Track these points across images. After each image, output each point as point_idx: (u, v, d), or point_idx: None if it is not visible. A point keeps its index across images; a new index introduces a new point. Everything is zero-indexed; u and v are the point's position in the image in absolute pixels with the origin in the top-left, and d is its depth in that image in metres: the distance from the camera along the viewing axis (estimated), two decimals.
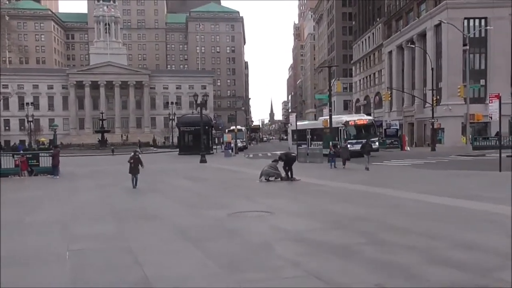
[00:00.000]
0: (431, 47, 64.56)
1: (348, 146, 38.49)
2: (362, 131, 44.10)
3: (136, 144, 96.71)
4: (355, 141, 41.64)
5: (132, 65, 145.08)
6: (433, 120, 54.32)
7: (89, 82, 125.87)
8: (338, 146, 34.13)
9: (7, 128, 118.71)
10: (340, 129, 43.72)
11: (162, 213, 14.11)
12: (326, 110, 41.37)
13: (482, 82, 59.09)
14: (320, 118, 54.80)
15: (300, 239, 9.79)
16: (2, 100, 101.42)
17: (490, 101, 24.73)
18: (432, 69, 55.78)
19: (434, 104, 54.83)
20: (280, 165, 23.67)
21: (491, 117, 24.91)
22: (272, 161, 24.10)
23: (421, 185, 19.29)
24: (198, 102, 44.46)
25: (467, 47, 43.91)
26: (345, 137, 42.70)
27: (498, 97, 24.22)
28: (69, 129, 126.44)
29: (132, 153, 22.95)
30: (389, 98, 57.62)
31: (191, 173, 30.69)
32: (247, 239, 10.02)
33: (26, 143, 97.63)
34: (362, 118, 46.51)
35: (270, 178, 23.09)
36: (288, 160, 23.50)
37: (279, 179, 23.11)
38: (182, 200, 17.26)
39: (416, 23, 70.91)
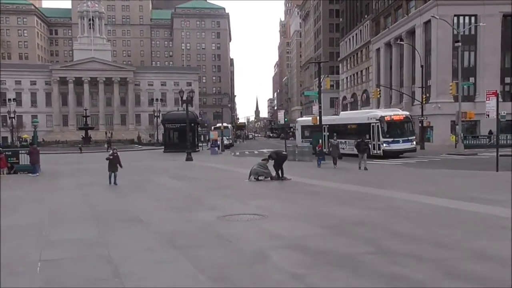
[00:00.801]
0: (420, 44, 64.02)
1: (384, 145, 36.27)
2: (399, 128, 38.70)
3: (113, 141, 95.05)
4: (391, 139, 37.25)
5: (116, 62, 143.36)
6: (422, 118, 53.74)
7: (72, 78, 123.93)
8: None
9: None
10: (373, 126, 37.96)
11: (146, 215, 13.11)
12: (315, 107, 40.09)
13: (472, 80, 58.54)
14: (344, 112, 47.86)
15: (298, 247, 8.86)
16: None
17: (487, 98, 24.04)
18: (422, 66, 55.21)
19: (424, 102, 54.22)
20: (270, 164, 22.74)
21: (488, 115, 24.21)
22: (262, 160, 23.16)
23: (418, 186, 18.48)
24: (184, 98, 43.30)
25: (460, 43, 43.27)
26: (380, 134, 37.16)
27: (496, 94, 23.53)
28: (53, 126, 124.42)
29: (111, 151, 23.07)
30: (379, 96, 57.01)
31: (177, 172, 29.65)
32: (240, 247, 9.09)
33: (9, 140, 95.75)
34: (398, 113, 40.37)
35: (260, 178, 22.17)
36: (279, 159, 22.55)
37: (269, 178, 22.20)
38: (168, 201, 16.25)
39: (405, 20, 70.35)
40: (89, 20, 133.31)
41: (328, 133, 42.26)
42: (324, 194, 17.04)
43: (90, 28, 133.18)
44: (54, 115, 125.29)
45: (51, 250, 9.31)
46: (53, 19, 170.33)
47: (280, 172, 22.26)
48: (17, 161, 31.54)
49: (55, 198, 17.85)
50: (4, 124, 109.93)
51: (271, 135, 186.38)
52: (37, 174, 29.04)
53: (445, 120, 57.79)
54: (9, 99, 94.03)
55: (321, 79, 39.90)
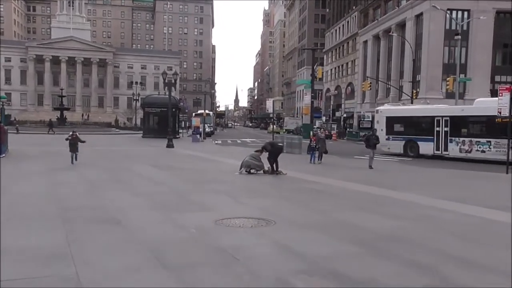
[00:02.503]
0: (410, 38, 62.32)
1: None
2: None
3: (89, 123, 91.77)
4: None
5: (96, 42, 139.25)
6: None
7: (49, 57, 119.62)
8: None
9: None
10: None
11: (125, 215, 10.76)
12: (307, 97, 37.72)
13: (462, 76, 57.07)
14: (483, 99, 33.40)
15: (330, 273, 6.66)
16: None
17: (500, 94, 22.17)
18: (414, 60, 53.47)
19: (414, 97, 52.52)
20: (264, 156, 20.54)
21: (500, 112, 22.36)
22: (255, 151, 20.94)
23: (438, 189, 16.43)
24: (167, 81, 40.79)
25: (459, 36, 41.53)
26: None
27: (510, 90, 21.66)
28: (27, 105, 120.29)
29: (71, 132, 23.86)
30: (369, 88, 55.12)
31: (158, 160, 27.26)
32: (252, 269, 6.84)
33: None
34: None
35: (252, 171, 19.98)
36: (274, 151, 20.30)
37: (262, 171, 20.03)
38: (151, 196, 13.81)
39: (395, 12, 68.65)
40: None
41: (448, 129, 32.27)
42: (331, 195, 14.85)
43: (69, 6, 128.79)
44: (29, 94, 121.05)
45: (1, 264, 7.00)
46: None
47: (275, 165, 20.11)
48: None
49: (18, 187, 15.35)
50: None
51: (250, 124, 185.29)
52: (3, 155, 26.44)
53: None
54: None
55: (315, 66, 37.79)
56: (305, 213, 11.51)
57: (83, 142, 24.07)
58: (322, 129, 34.80)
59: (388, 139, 35.76)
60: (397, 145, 34.85)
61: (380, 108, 39.44)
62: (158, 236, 8.88)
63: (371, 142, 24.81)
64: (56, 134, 56.65)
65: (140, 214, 11.04)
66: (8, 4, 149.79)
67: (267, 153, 20.34)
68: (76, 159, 22.93)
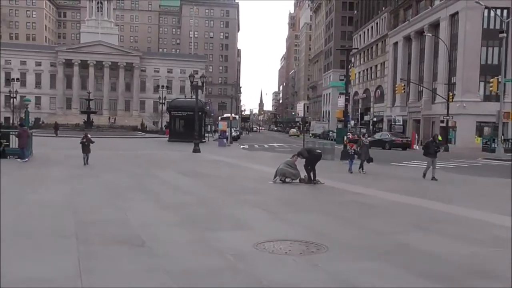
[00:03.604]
0: (444, 38, 59.96)
1: None
2: None
3: (116, 126, 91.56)
4: None
5: (123, 47, 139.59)
6: (447, 118, 49.90)
7: (78, 61, 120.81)
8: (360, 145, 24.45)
9: None
10: None
11: (150, 233, 9.24)
12: (341, 100, 35.84)
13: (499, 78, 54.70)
14: None
15: None
16: None
17: None
18: (450, 61, 51.22)
19: (450, 100, 50.32)
20: (299, 162, 18.87)
21: None
22: (291, 157, 19.29)
23: (496, 202, 14.59)
24: (194, 84, 39.48)
25: (504, 34, 39.24)
26: None
27: None
28: (56, 108, 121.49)
29: (84, 134, 25.62)
30: (403, 91, 53.01)
31: (185, 166, 25.86)
32: None
33: (11, 121, 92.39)
34: None
35: (287, 179, 18.36)
36: (312, 158, 18.50)
37: (298, 180, 18.39)
38: (179, 209, 12.31)
39: (428, 12, 66.43)
40: (98, 3, 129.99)
41: None
42: (381, 209, 13.06)
43: (98, 11, 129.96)
44: (58, 98, 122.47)
45: None
46: (62, 2, 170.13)
47: (312, 174, 18.42)
48: (7, 143, 27.78)
49: (34, 195, 13.96)
50: (8, 104, 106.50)
51: (275, 128, 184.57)
52: (26, 159, 25.40)
53: (469, 120, 54.17)
54: (13, 79, 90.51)
55: (349, 67, 36.10)
56: (359, 234, 9.78)
57: (92, 142, 25.25)
58: (366, 134, 32.77)
59: None
60: None
61: None
62: (188, 264, 7.33)
63: (431, 149, 21.51)
64: (59, 136, 56.60)
65: (167, 232, 9.53)
66: (40, 11, 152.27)
67: (304, 160, 18.68)
68: (87, 161, 23.97)
